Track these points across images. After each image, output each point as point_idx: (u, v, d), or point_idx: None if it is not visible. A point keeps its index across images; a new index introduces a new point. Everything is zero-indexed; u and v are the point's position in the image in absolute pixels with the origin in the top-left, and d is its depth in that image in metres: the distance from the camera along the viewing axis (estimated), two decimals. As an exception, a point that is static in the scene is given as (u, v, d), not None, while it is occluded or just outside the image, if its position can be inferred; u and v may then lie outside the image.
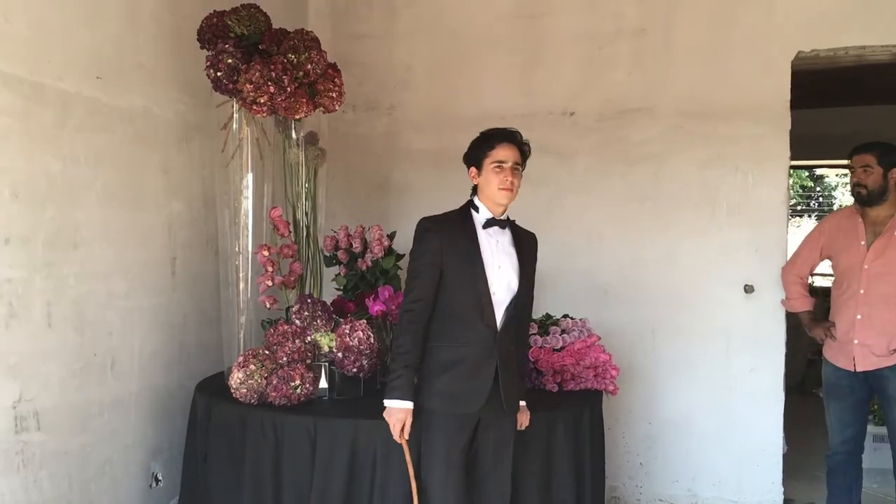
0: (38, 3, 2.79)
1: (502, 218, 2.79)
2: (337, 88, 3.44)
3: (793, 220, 11.75)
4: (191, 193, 3.67)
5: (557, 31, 4.55)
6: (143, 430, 3.39)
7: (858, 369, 3.58)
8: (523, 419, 2.91)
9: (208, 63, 3.23)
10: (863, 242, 3.61)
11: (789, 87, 4.19)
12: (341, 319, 3.34)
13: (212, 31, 3.31)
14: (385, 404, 2.67)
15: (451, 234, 2.73)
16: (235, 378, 3.03)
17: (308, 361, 3.15)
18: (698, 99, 4.32)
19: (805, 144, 4.67)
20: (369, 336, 3.19)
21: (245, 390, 3.02)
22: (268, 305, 3.41)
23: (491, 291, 2.70)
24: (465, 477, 2.72)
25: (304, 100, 3.32)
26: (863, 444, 3.76)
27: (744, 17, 4.26)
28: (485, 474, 2.78)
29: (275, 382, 3.01)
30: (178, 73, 3.53)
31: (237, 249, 3.42)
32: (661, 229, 4.40)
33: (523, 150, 2.78)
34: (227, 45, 3.22)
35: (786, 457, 4.32)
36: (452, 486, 2.68)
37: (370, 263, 3.64)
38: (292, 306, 3.37)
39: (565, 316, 3.65)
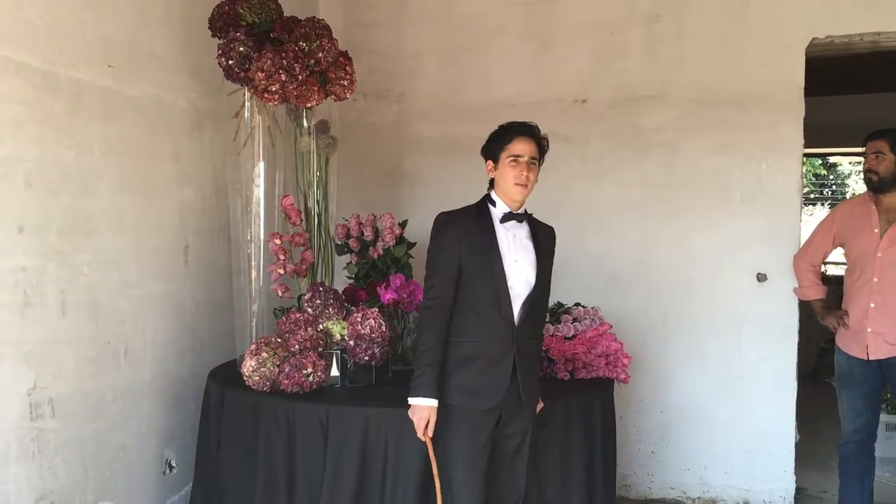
0: (51, -9, 2.80)
1: (520, 212, 2.77)
2: (348, 76, 3.44)
3: (806, 208, 11.67)
4: (202, 182, 3.68)
5: (568, 17, 4.52)
6: (156, 418, 3.41)
7: (871, 357, 3.56)
8: (536, 407, 2.91)
9: (220, 51, 3.24)
10: (876, 230, 3.58)
11: (803, 74, 4.16)
12: (353, 308, 3.34)
13: (223, 20, 3.31)
14: (409, 402, 2.64)
15: (469, 228, 2.71)
16: (248, 366, 3.04)
17: (320, 349, 3.16)
18: (711, 86, 4.30)
19: (819, 132, 4.64)
20: (381, 324, 3.19)
21: (257, 378, 3.03)
22: (280, 294, 3.42)
23: (508, 286, 2.68)
24: (485, 472, 2.70)
25: (316, 88, 3.32)
26: (875, 433, 3.75)
27: (757, 3, 4.23)
28: (502, 466, 2.77)
29: (287, 370, 3.02)
30: (189, 62, 3.53)
31: (249, 238, 3.43)
32: (673, 217, 4.38)
33: (541, 144, 2.75)
34: (238, 34, 3.22)
35: (798, 445, 4.31)
36: (474, 480, 2.66)
37: (381, 252, 3.64)
38: (304, 294, 3.38)
39: (577, 304, 3.65)
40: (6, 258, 2.63)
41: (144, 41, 3.28)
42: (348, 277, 3.77)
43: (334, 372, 3.19)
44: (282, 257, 3.39)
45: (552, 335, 3.41)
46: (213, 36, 3.34)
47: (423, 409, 2.63)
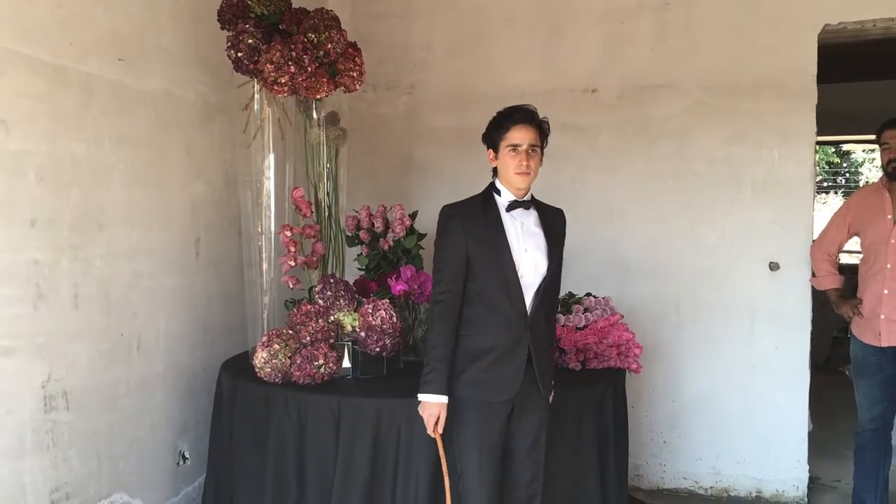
0: (60, -15, 2.80)
1: (525, 199, 2.72)
2: (357, 68, 3.43)
3: (818, 196, 11.61)
4: (213, 174, 3.69)
5: (578, 6, 4.50)
6: (169, 410, 3.43)
7: (884, 344, 3.55)
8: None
9: (229, 44, 3.23)
10: (889, 216, 3.57)
11: (816, 60, 4.12)
12: (364, 299, 3.35)
13: (232, 12, 3.31)
14: (419, 398, 2.63)
15: (474, 220, 2.66)
16: (260, 357, 3.05)
17: (331, 341, 3.17)
18: (722, 74, 4.27)
19: (831, 120, 4.60)
20: (392, 315, 3.20)
21: (269, 370, 3.04)
22: (291, 285, 3.43)
23: (519, 275, 2.63)
24: (499, 464, 2.67)
25: (325, 79, 3.32)
26: (892, 422, 3.73)
27: (769, -10, 4.19)
28: (517, 462, 2.72)
29: (298, 362, 3.03)
30: (198, 55, 3.54)
31: (260, 230, 3.44)
32: (684, 206, 4.36)
33: (542, 128, 2.69)
34: (247, 26, 3.22)
35: (811, 435, 4.30)
36: (487, 474, 2.63)
37: (392, 243, 3.65)
38: (315, 286, 3.38)
39: (588, 294, 3.64)
40: (19, 252, 2.64)
41: (153, 34, 3.28)
42: (359, 269, 3.78)
43: (346, 363, 3.20)
44: (292, 249, 3.39)
45: (563, 325, 3.41)
46: (222, 28, 3.33)
47: (432, 405, 2.61)
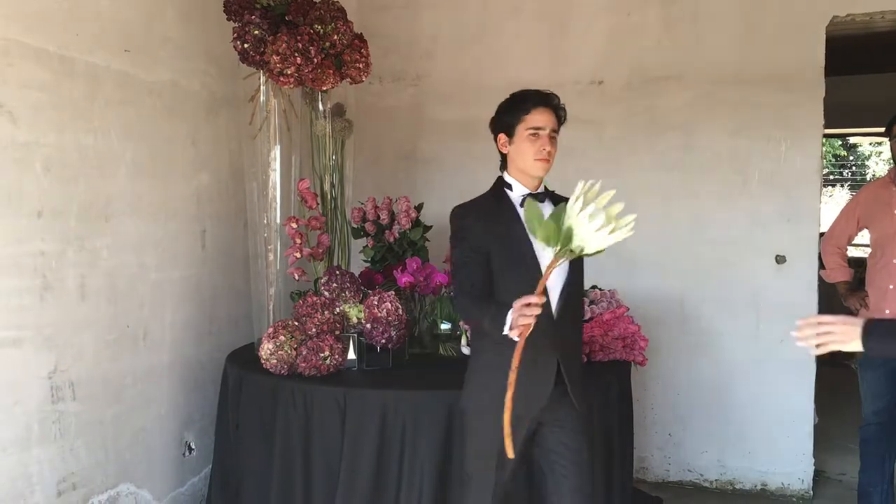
0: (66, -24, 2.80)
1: (540, 191, 2.51)
2: (363, 59, 3.43)
3: (825, 189, 11.57)
4: (219, 166, 3.69)
5: (585, -2, 4.48)
6: (175, 400, 3.44)
7: (890, 339, 3.53)
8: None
9: (235, 35, 3.23)
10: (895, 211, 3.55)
11: (824, 53, 4.10)
12: (369, 291, 3.35)
13: (238, 3, 3.31)
14: (506, 334, 2.19)
15: (488, 219, 2.43)
16: (265, 349, 3.06)
17: (337, 332, 3.17)
18: (729, 66, 4.25)
19: (839, 112, 4.59)
20: (397, 307, 3.20)
21: (275, 361, 3.04)
22: (296, 277, 3.43)
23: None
24: (515, 484, 2.49)
25: (331, 71, 3.31)
26: (896, 415, 3.73)
27: (777, -18, 4.17)
28: (546, 488, 2.45)
29: (304, 353, 3.03)
30: (204, 46, 3.53)
31: (266, 222, 3.44)
32: (690, 199, 4.35)
33: (559, 115, 2.49)
34: (253, 17, 3.22)
35: (816, 428, 4.29)
36: (497, 490, 2.43)
37: (398, 235, 3.65)
38: (321, 278, 3.39)
39: (594, 287, 3.63)
40: (26, 243, 2.65)
41: (160, 25, 3.28)
42: (365, 261, 3.78)
43: (351, 355, 3.20)
44: (298, 241, 3.39)
45: (569, 318, 3.40)
46: (228, 19, 3.33)
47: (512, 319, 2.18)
